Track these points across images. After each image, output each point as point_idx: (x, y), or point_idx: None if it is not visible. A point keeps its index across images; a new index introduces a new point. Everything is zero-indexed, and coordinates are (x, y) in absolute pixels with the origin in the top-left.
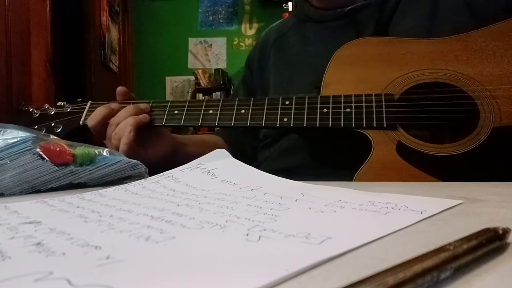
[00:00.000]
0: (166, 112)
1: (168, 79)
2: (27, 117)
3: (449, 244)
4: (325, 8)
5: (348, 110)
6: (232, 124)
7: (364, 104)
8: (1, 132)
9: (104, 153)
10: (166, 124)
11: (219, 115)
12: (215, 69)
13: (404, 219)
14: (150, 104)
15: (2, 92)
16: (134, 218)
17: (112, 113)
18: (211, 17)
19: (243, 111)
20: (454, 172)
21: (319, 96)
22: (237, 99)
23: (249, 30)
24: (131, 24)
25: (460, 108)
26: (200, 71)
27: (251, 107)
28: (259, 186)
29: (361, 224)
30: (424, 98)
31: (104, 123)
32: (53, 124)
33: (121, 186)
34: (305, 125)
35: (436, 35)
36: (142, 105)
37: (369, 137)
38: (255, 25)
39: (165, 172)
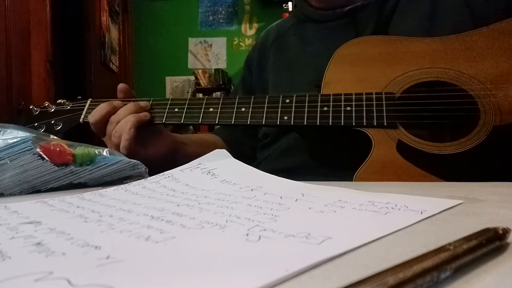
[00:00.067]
0: (167, 110)
1: (168, 79)
2: (27, 114)
3: (449, 244)
4: (324, 8)
5: (348, 108)
6: (233, 122)
7: (364, 102)
8: (1, 132)
9: (104, 153)
10: (166, 122)
11: (219, 113)
12: (215, 69)
13: (404, 219)
14: (151, 102)
15: (2, 92)
16: (134, 218)
17: (114, 110)
18: (211, 17)
19: (243, 109)
20: (454, 171)
21: (319, 95)
22: (237, 97)
23: (249, 30)
24: (131, 24)
25: (461, 107)
26: (200, 71)
27: (251, 105)
28: (259, 186)
29: (361, 224)
30: (425, 97)
31: (106, 120)
32: (53, 122)
33: (121, 186)
34: (305, 123)
35: (436, 35)
36: (143, 103)
37: (369, 135)
38: (255, 25)
39: (165, 172)
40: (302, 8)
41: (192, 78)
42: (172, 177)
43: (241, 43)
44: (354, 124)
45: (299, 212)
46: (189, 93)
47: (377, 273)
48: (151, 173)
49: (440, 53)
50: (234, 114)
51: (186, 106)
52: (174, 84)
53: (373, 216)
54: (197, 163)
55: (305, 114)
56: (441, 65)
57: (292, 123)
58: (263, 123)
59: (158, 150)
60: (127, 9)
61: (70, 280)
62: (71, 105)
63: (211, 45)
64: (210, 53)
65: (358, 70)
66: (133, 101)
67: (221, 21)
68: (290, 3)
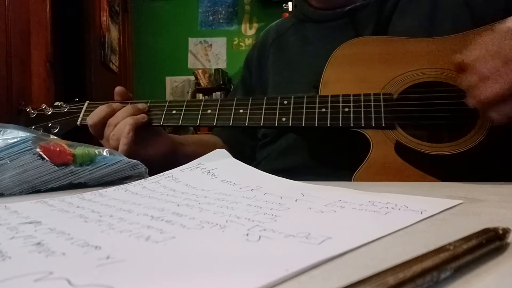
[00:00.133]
0: (164, 112)
1: (168, 79)
2: (24, 117)
3: (449, 244)
4: (324, 8)
5: (346, 109)
6: (231, 124)
7: (362, 103)
8: (1, 132)
9: (104, 153)
10: (164, 124)
11: (217, 115)
12: (215, 69)
13: (404, 219)
14: (148, 104)
15: (2, 92)
16: (134, 218)
17: (112, 112)
18: (211, 17)
19: (241, 110)
20: (453, 171)
21: (317, 96)
22: (235, 99)
23: (249, 30)
24: (131, 24)
25: (459, 108)
26: (200, 71)
27: (249, 106)
28: (259, 186)
29: (361, 224)
30: (423, 98)
31: (104, 122)
32: (50, 125)
33: (121, 186)
34: (303, 125)
35: (436, 35)
36: (140, 105)
37: (368, 136)
38: (255, 25)
39: (165, 172)
40: (302, 8)
41: (192, 78)
42: (172, 177)
43: (241, 43)
44: (352, 125)
45: (299, 212)
46: (189, 93)
47: (377, 273)
48: (151, 173)
49: (438, 53)
50: (232, 116)
51: (184, 108)
52: (174, 84)
53: (373, 216)
54: (197, 163)
55: (303, 116)
56: (439, 66)
57: (290, 125)
58: (261, 124)
59: (157, 151)
60: (127, 9)
61: (70, 280)
62: (68, 107)
63: (211, 45)
64: (210, 53)
65: (356, 70)
66: (131, 103)
67: (221, 21)
68: (290, 3)
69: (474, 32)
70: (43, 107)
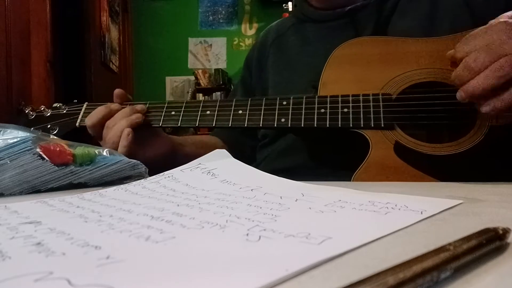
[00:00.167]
0: (163, 113)
1: (168, 79)
2: (23, 119)
3: (449, 244)
4: (324, 8)
5: (345, 110)
6: (230, 125)
7: (361, 104)
8: (1, 132)
9: (104, 153)
10: (163, 125)
11: (216, 116)
12: (215, 69)
13: (404, 219)
14: (147, 105)
15: (2, 92)
16: (134, 218)
17: (111, 114)
18: (211, 17)
19: (240, 111)
20: (452, 171)
21: (316, 96)
22: (234, 100)
23: (249, 30)
24: (131, 24)
25: (458, 108)
26: (200, 71)
27: (248, 107)
28: (259, 186)
29: (361, 224)
30: (422, 98)
31: (102, 123)
32: (49, 126)
33: (121, 186)
34: (302, 126)
35: (435, 35)
36: (139, 107)
37: (367, 137)
38: (255, 25)
39: (165, 172)
40: (302, 8)
41: (192, 78)
42: (172, 177)
43: (241, 43)
44: (351, 125)
45: (299, 212)
46: (189, 93)
47: (377, 273)
48: (151, 174)
49: (437, 53)
50: (231, 117)
51: (183, 109)
52: (174, 84)
53: (373, 216)
54: (197, 163)
55: (302, 116)
56: (438, 66)
57: (289, 125)
58: (261, 125)
59: (156, 152)
60: (127, 9)
61: (70, 280)
62: (67, 109)
63: (211, 45)
64: (210, 53)
65: (355, 71)
66: (130, 105)
67: (221, 21)
68: (290, 3)
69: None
70: (42, 109)
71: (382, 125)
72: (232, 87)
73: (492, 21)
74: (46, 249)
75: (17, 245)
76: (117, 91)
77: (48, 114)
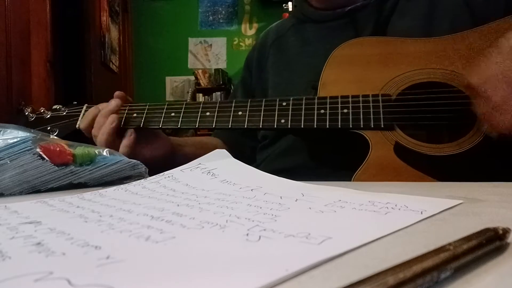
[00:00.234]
0: (163, 115)
1: (168, 79)
2: (23, 121)
3: (449, 244)
4: (324, 9)
5: (345, 111)
6: (230, 126)
7: (361, 104)
8: (1, 132)
9: (104, 153)
10: (163, 127)
11: (216, 117)
12: (215, 69)
13: (404, 219)
14: (147, 107)
15: (2, 92)
16: (134, 218)
17: None
18: (211, 17)
19: (240, 113)
20: (452, 172)
21: (316, 97)
22: (234, 101)
23: (249, 30)
24: (131, 24)
25: (457, 108)
26: (200, 71)
27: (248, 108)
28: (259, 186)
29: (361, 224)
30: (421, 98)
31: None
32: (49, 128)
33: (121, 186)
34: (302, 127)
35: (435, 35)
36: (111, 105)
37: (367, 137)
38: (255, 25)
39: (165, 172)
40: (302, 8)
41: (192, 78)
42: (172, 177)
43: (241, 43)
44: (351, 126)
45: (299, 212)
46: (189, 93)
47: (377, 273)
48: (151, 174)
49: (436, 53)
50: (231, 118)
51: (182, 110)
52: (174, 84)
53: (373, 216)
54: (197, 163)
55: (302, 117)
56: (438, 66)
57: (289, 127)
58: (260, 126)
59: (156, 153)
60: (127, 9)
61: (70, 280)
62: (67, 110)
63: (211, 45)
64: (210, 53)
65: (355, 71)
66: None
67: (221, 21)
68: (290, 3)
69: (473, 32)
70: (42, 111)
71: (382, 126)
72: (232, 87)
73: (503, 43)
74: (46, 249)
75: (17, 245)
76: (117, 93)
77: (48, 116)
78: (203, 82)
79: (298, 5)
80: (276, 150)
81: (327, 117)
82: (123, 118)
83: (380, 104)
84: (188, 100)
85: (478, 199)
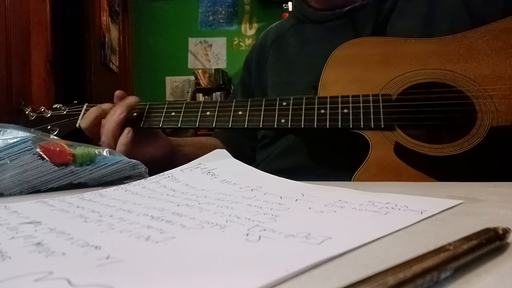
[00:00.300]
0: (163, 114)
1: (168, 79)
2: (23, 120)
3: (449, 244)
4: (323, 9)
5: (345, 111)
6: (230, 126)
7: (361, 104)
8: (1, 132)
9: (104, 153)
10: (163, 126)
11: (216, 117)
12: (215, 69)
13: (404, 219)
14: (147, 106)
15: (2, 92)
16: (134, 218)
17: (103, 114)
18: (211, 17)
19: (240, 112)
20: (452, 172)
21: (316, 97)
22: (234, 101)
23: (249, 30)
24: (131, 24)
25: (458, 108)
26: (200, 71)
27: (248, 108)
28: (259, 186)
29: (361, 224)
30: (422, 99)
31: (97, 123)
32: (49, 127)
33: (121, 186)
34: (302, 126)
35: (434, 36)
36: (128, 100)
37: (367, 138)
38: (255, 25)
39: (165, 172)
40: (301, 9)
41: (192, 78)
42: (172, 177)
43: (241, 43)
44: (351, 126)
45: (299, 212)
46: (189, 93)
47: (377, 273)
48: (150, 174)
49: (436, 54)
50: (231, 118)
51: (183, 110)
52: (174, 84)
53: (373, 216)
54: (197, 163)
55: (302, 117)
56: (438, 66)
57: (289, 126)
58: (260, 126)
59: (155, 153)
60: (127, 9)
61: (70, 280)
62: (67, 110)
63: (211, 45)
64: (210, 53)
65: (354, 72)
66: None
67: (221, 21)
68: (290, 3)
69: (472, 32)
70: (42, 110)
71: (382, 126)
72: (232, 87)
73: None
74: (46, 249)
75: (17, 245)
76: (117, 92)
77: (48, 115)
78: (203, 82)
79: (298, 5)
80: (276, 150)
81: (327, 117)
82: None
83: (381, 104)
84: (188, 100)
85: (478, 199)
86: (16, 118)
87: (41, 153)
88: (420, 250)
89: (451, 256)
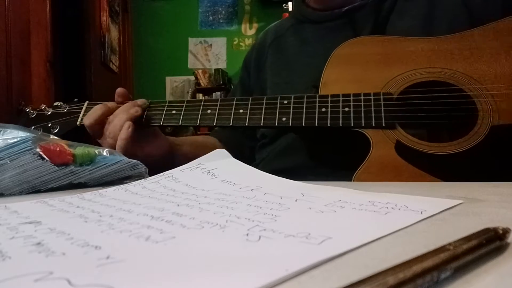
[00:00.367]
0: (164, 112)
1: (168, 79)
2: (24, 118)
3: (449, 244)
4: (322, 9)
5: (346, 109)
6: (231, 124)
7: (362, 103)
8: (1, 132)
9: (104, 153)
10: (164, 124)
11: (217, 115)
12: (215, 69)
13: (404, 219)
14: (149, 102)
15: (2, 92)
16: (134, 218)
17: (109, 111)
18: (211, 17)
19: (241, 110)
20: (453, 171)
21: (317, 95)
22: (235, 99)
23: (249, 30)
24: (131, 24)
25: (459, 107)
26: (200, 71)
27: (249, 106)
28: (259, 186)
29: (361, 224)
30: (423, 97)
31: (101, 121)
32: (50, 125)
33: (121, 186)
34: (303, 125)
35: (435, 35)
36: (140, 101)
37: (368, 136)
38: (255, 25)
39: (165, 172)
40: (300, 9)
41: (192, 78)
42: (172, 177)
43: (241, 43)
44: (352, 125)
45: (299, 212)
46: (189, 93)
47: (377, 273)
48: (150, 174)
49: (437, 52)
50: (232, 116)
51: (183, 108)
52: (174, 84)
53: (373, 216)
54: (197, 163)
55: (303, 115)
56: (438, 65)
57: (290, 125)
58: (261, 124)
59: (155, 151)
60: (127, 9)
61: (70, 280)
62: (67, 108)
63: (211, 45)
64: (210, 53)
65: (356, 71)
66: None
67: (221, 21)
68: (290, 3)
69: (474, 31)
70: (43, 108)
71: (383, 124)
72: (232, 87)
73: None
74: (46, 249)
75: (17, 245)
76: (119, 90)
77: (49, 113)
78: (203, 82)
79: (297, 5)
80: (276, 149)
81: (328, 115)
82: None
83: (382, 102)
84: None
85: (478, 199)
86: (16, 118)
87: (41, 153)
88: (420, 250)
89: (451, 256)
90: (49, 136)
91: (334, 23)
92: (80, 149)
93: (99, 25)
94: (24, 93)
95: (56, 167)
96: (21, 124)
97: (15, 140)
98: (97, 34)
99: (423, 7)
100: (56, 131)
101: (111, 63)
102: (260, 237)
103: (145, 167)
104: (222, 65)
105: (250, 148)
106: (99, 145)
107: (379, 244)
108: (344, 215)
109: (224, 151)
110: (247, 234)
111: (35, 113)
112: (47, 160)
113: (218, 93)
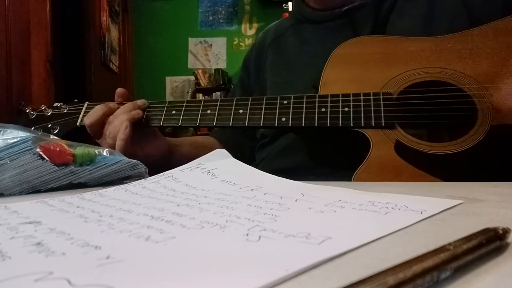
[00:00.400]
0: (164, 112)
1: (168, 79)
2: (24, 118)
3: (449, 244)
4: (322, 9)
5: (346, 109)
6: (230, 124)
7: (362, 103)
8: (1, 132)
9: (104, 153)
10: (164, 125)
11: (217, 115)
12: (215, 69)
13: (404, 219)
14: (149, 102)
15: (2, 92)
16: (134, 218)
17: (110, 111)
18: (211, 17)
19: (241, 111)
20: (453, 170)
21: (317, 95)
22: (235, 99)
23: (249, 30)
24: (131, 24)
25: (458, 107)
26: (200, 71)
27: (249, 107)
28: (259, 186)
29: (361, 224)
30: (422, 97)
31: (101, 121)
32: (50, 125)
33: (121, 186)
34: (303, 125)
35: (435, 35)
36: (140, 102)
37: (368, 136)
38: (255, 25)
39: (165, 172)
40: (300, 9)
41: (192, 78)
42: (172, 177)
43: (241, 43)
44: (352, 125)
45: (299, 212)
46: (189, 93)
47: (377, 273)
48: (150, 174)
49: (437, 52)
50: (231, 116)
51: (183, 108)
52: (174, 84)
53: (373, 216)
54: (197, 163)
55: (303, 115)
56: (438, 65)
57: (290, 125)
58: (261, 124)
59: (154, 151)
60: (127, 9)
61: (70, 280)
62: (67, 108)
63: (211, 45)
64: (210, 53)
65: (355, 70)
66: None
67: (221, 21)
68: (290, 3)
69: (473, 31)
70: (43, 108)
71: (383, 124)
72: (232, 87)
73: None
74: (46, 249)
75: (17, 245)
76: (119, 90)
77: (49, 113)
78: (203, 82)
79: (297, 5)
80: (276, 149)
81: (328, 115)
82: None
83: (381, 102)
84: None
85: (478, 199)
86: (16, 118)
87: (41, 153)
88: (420, 250)
89: (451, 256)
90: (49, 136)
91: (334, 23)
92: (80, 149)
93: (99, 25)
94: (24, 93)
95: (56, 167)
96: (21, 125)
97: (15, 140)
98: (97, 34)
99: (423, 7)
100: (56, 131)
101: (111, 63)
102: (260, 237)
103: (145, 167)
104: (222, 65)
105: (250, 148)
106: (99, 145)
107: (379, 244)
108: (344, 215)
109: (224, 151)
110: (247, 234)
111: (35, 113)
112: (47, 160)
113: (218, 93)
